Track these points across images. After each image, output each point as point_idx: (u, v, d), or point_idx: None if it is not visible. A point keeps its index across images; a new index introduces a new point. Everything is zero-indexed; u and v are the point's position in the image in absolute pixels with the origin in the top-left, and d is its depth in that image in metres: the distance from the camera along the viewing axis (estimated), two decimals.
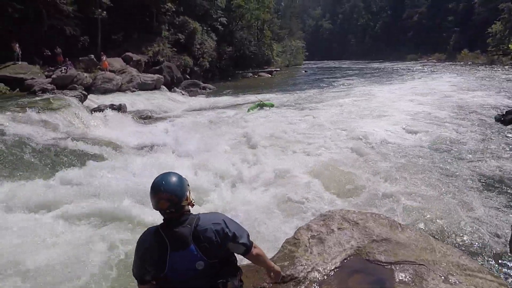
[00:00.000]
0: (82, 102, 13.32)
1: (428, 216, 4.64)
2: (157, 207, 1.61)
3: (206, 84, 24.30)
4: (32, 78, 15.38)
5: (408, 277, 2.41)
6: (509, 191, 5.56)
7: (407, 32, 76.17)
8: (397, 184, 5.78)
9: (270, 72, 37.43)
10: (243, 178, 6.11)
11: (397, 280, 2.41)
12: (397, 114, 11.91)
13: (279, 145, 8.51)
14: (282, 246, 3.14)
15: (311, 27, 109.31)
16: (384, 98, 16.22)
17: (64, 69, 16.59)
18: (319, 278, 2.58)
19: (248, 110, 14.28)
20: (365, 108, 13.59)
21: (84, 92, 14.82)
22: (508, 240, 3.75)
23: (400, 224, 3.25)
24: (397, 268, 2.53)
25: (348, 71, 40.43)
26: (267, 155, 7.54)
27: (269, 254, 3.43)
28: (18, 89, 14.52)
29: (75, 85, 15.65)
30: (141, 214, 4.58)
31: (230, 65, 33.59)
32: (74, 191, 5.29)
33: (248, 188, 5.81)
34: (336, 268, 2.68)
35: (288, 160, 7.06)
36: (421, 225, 4.37)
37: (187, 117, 13.56)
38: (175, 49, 25.47)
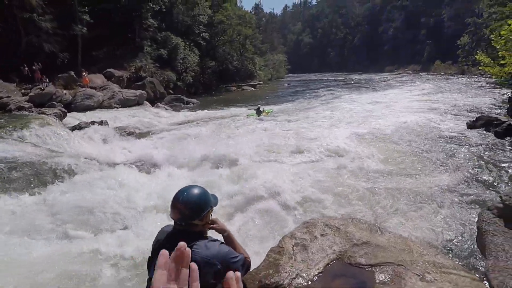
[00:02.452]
0: (62, 120, 13.07)
1: (405, 219, 4.82)
2: (170, 215, 1.64)
3: (189, 99, 24.32)
4: (8, 96, 14.94)
5: (387, 277, 2.50)
6: (476, 191, 5.86)
7: (384, 45, 79.49)
8: (376, 191, 5.97)
9: (254, 86, 37.95)
10: (228, 191, 6.11)
11: (378, 281, 2.49)
12: (373, 122, 12.36)
13: (263, 156, 8.60)
14: (267, 255, 3.18)
15: (292, 41, 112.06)
16: (362, 107, 16.80)
17: (43, 86, 16.27)
18: (303, 284, 2.63)
19: (247, 116, 15.06)
20: (343, 118, 14.00)
21: (63, 109, 14.57)
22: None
23: (379, 227, 3.36)
24: (377, 269, 2.62)
25: (328, 83, 41.54)
26: (251, 167, 7.60)
27: (255, 263, 3.47)
28: None
29: (54, 102, 15.38)
30: (124, 235, 4.50)
31: (214, 79, 33.87)
32: (53, 209, 5.15)
33: (233, 200, 5.83)
34: (319, 273, 2.74)
35: (271, 171, 7.13)
36: (400, 228, 4.53)
37: (171, 132, 13.47)
38: (158, 65, 25.52)
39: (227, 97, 28.79)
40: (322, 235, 3.30)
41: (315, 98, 24.54)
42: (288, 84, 45.79)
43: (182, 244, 0.67)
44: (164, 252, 0.67)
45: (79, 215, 5.01)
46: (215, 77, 34.17)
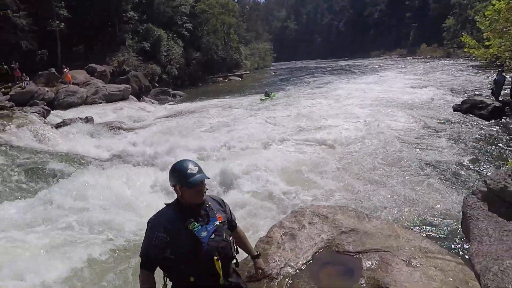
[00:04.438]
0: (45, 118, 12.72)
1: (392, 206, 4.90)
2: None
3: (176, 91, 23.96)
4: None
5: (374, 264, 2.55)
6: (462, 175, 5.98)
7: (369, 29, 79.38)
8: (362, 177, 6.05)
9: (240, 75, 37.58)
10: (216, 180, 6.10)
11: (365, 268, 2.53)
12: (358, 111, 12.36)
13: (250, 145, 8.58)
14: (255, 246, 3.19)
15: (277, 29, 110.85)
16: (347, 95, 16.83)
17: (24, 84, 15.74)
18: (292, 273, 2.66)
19: (261, 100, 17.00)
20: (331, 106, 14.01)
21: (46, 107, 14.18)
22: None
23: (367, 214, 3.41)
24: (365, 256, 2.66)
25: (314, 70, 41.46)
26: (239, 156, 7.59)
27: (243, 254, 3.49)
28: None
29: (36, 100, 14.96)
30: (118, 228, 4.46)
31: (199, 71, 33.36)
32: (40, 210, 5.04)
33: (219, 189, 5.84)
34: (307, 262, 2.77)
35: (256, 159, 7.11)
36: (387, 215, 4.61)
37: (158, 125, 13.31)
38: (141, 58, 24.96)
39: (214, 88, 28.46)
40: (310, 223, 3.32)
41: (303, 85, 24.49)
42: (275, 72, 45.53)
43: None
44: None
45: (67, 212, 4.93)
46: (200, 68, 33.65)
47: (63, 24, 19.73)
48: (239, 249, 1.99)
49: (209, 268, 1.68)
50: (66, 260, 3.92)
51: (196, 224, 1.69)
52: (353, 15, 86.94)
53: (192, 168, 1.72)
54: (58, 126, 11.74)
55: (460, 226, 3.81)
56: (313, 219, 3.36)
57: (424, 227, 4.39)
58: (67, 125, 11.88)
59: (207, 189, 1.82)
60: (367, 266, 2.55)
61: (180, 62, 29.58)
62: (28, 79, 16.40)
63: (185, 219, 1.69)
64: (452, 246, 3.97)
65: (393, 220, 4.26)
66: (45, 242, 4.34)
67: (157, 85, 24.80)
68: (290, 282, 2.58)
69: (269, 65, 62.79)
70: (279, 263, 2.78)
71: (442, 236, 4.16)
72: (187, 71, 31.18)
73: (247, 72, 42.31)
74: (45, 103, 14.96)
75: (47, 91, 16.14)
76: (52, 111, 14.17)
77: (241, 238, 2.04)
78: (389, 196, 5.20)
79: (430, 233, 4.22)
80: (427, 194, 5.22)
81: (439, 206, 4.85)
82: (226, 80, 34.58)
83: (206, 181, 1.77)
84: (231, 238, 1.83)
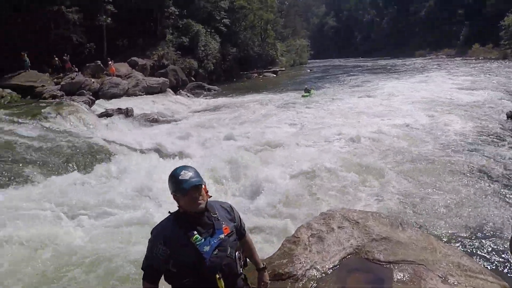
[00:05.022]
0: (90, 107, 13.58)
1: (431, 216, 4.57)
2: None
3: (211, 86, 24.42)
4: (42, 86, 15.80)
5: (406, 276, 2.40)
6: None
7: (415, 27, 74.80)
8: (401, 183, 5.72)
9: (275, 72, 37.37)
10: (247, 177, 6.11)
11: (395, 279, 2.40)
12: (404, 111, 11.77)
13: (286, 143, 8.49)
14: (282, 244, 3.16)
15: (315, 25, 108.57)
16: (389, 93, 16.11)
17: (73, 75, 16.94)
18: (317, 276, 2.59)
19: (303, 96, 17.37)
20: (369, 106, 13.48)
21: (91, 97, 15.10)
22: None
23: (401, 223, 3.22)
24: (396, 267, 2.51)
25: (352, 69, 40.10)
26: (276, 154, 7.55)
27: (268, 252, 3.46)
28: (29, 97, 14.92)
29: (83, 90, 15.95)
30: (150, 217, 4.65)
31: (235, 66, 33.66)
32: (81, 193, 5.37)
33: (252, 187, 5.83)
34: (334, 266, 2.68)
35: (288, 158, 7.03)
36: (424, 225, 4.31)
37: (193, 119, 13.68)
38: (180, 52, 25.68)
39: (248, 84, 28.61)
40: (339, 227, 3.22)
41: (340, 83, 23.81)
42: (311, 70, 44.71)
43: None
44: None
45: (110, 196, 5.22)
46: (236, 64, 33.94)
47: (109, 19, 20.86)
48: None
49: (212, 285, 1.58)
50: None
51: (199, 237, 1.58)
52: (398, 11, 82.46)
53: (184, 174, 1.61)
54: (101, 115, 12.54)
55: (508, 246, 3.47)
56: (343, 223, 3.25)
57: (465, 243, 4.01)
58: (109, 115, 12.65)
59: (210, 196, 1.72)
60: (398, 277, 2.41)
61: (217, 57, 30.05)
62: (77, 70, 17.65)
63: (187, 230, 1.59)
64: (496, 267, 3.60)
65: (430, 232, 3.97)
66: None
67: (193, 79, 25.44)
68: (315, 285, 2.51)
69: (305, 62, 61.77)
70: (304, 265, 2.72)
71: (485, 255, 3.78)
72: (222, 66, 31.60)
73: (283, 69, 41.96)
74: (91, 93, 15.92)
75: (93, 82, 17.17)
76: (96, 101, 15.07)
77: (249, 247, 1.92)
78: (429, 204, 4.84)
79: (472, 250, 3.86)
80: (473, 207, 4.78)
81: (485, 221, 4.41)
82: (260, 77, 34.58)
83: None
84: (237, 253, 1.69)
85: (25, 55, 16.44)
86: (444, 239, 3.94)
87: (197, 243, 1.57)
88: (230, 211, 1.80)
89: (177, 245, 1.58)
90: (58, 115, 10.15)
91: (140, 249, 3.47)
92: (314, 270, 2.67)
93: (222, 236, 1.64)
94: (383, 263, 2.58)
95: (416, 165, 6.51)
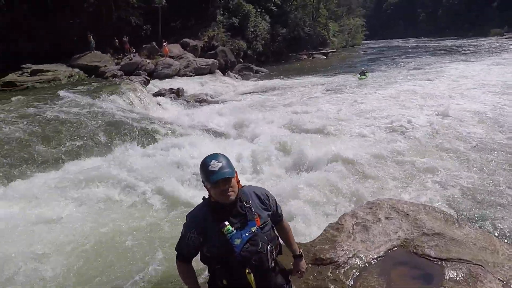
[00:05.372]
0: (146, 86, 14.47)
1: (497, 215, 4.11)
2: None
3: (259, 68, 24.33)
4: (105, 66, 17.21)
5: (460, 276, 2.22)
6: None
7: (491, 2, 65.63)
8: (462, 176, 5.22)
9: (325, 54, 35.87)
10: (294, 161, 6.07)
11: (447, 277, 2.23)
12: (474, 96, 10.64)
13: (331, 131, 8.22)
14: (324, 230, 3.11)
15: (373, 3, 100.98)
16: (455, 77, 14.59)
17: (131, 56, 18.09)
18: (360, 265, 2.52)
19: (359, 78, 17.01)
20: (436, 88, 12.39)
21: (147, 77, 16.10)
22: None
23: (457, 219, 2.97)
24: (448, 265, 2.34)
25: (411, 50, 36.76)
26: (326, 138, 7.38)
27: (311, 236, 3.44)
28: (93, 75, 16.44)
29: (139, 71, 17.02)
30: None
31: (284, 48, 32.93)
32: (133, 168, 5.65)
33: (298, 170, 5.79)
34: (379, 257, 2.58)
35: (337, 144, 6.79)
36: (486, 224, 3.92)
37: (240, 100, 13.85)
38: (229, 33, 25.81)
39: (297, 66, 27.89)
40: (386, 218, 3.07)
41: (395, 66, 22.13)
42: (364, 52, 42.06)
43: None
44: None
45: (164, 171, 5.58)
46: (285, 45, 33.16)
47: (164, 1, 21.59)
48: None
49: (242, 278, 1.56)
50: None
51: (231, 228, 1.54)
52: None
53: (214, 164, 1.54)
54: (155, 94, 13.34)
55: None
56: (390, 214, 3.09)
57: None
58: (162, 94, 13.40)
59: (242, 186, 1.67)
60: (450, 276, 2.24)
61: (266, 38, 29.66)
62: (134, 51, 18.78)
63: (219, 219, 1.56)
64: None
65: (493, 232, 3.61)
66: None
67: (242, 60, 25.54)
68: (357, 273, 2.45)
69: (359, 43, 58.31)
70: (347, 253, 2.66)
71: None
72: (271, 48, 31.14)
73: (334, 50, 40.09)
74: (146, 74, 16.94)
75: (148, 62, 18.18)
76: (151, 81, 16.00)
77: (286, 234, 1.87)
78: (496, 202, 4.37)
79: None
80: None
81: None
82: (310, 58, 33.49)
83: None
84: (268, 247, 1.61)
85: (91, 36, 17.87)
86: (509, 241, 3.55)
87: (228, 235, 1.54)
88: (265, 198, 1.73)
89: (209, 234, 1.57)
90: (117, 93, 10.95)
91: None
92: (357, 258, 2.60)
93: (254, 229, 1.59)
94: (434, 260, 2.41)
95: (488, 155, 5.90)
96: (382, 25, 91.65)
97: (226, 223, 1.55)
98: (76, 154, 6.36)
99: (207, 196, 1.67)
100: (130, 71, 16.88)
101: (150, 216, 4.43)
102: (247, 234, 1.57)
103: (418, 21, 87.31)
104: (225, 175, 1.53)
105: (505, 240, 3.42)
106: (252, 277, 1.55)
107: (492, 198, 4.54)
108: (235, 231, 1.55)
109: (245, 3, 27.57)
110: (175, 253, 1.70)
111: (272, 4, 31.40)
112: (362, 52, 42.01)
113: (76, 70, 16.19)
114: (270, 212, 1.72)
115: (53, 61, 15.78)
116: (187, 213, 1.69)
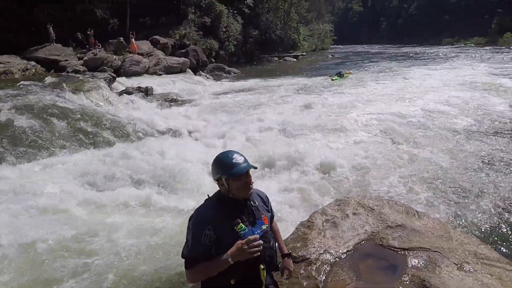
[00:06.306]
0: (111, 84, 13.80)
1: (449, 205, 4.51)
2: None
3: (231, 68, 24.27)
4: (66, 60, 16.12)
5: (421, 263, 2.41)
6: None
7: (444, 14, 71.11)
8: (421, 173, 5.62)
9: (296, 57, 36.67)
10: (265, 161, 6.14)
11: (410, 265, 2.41)
12: (429, 99, 11.50)
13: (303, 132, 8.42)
14: (296, 228, 3.21)
15: (340, 10, 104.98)
16: (412, 84, 15.60)
17: (96, 51, 17.21)
18: (331, 260, 2.63)
19: (332, 79, 16.86)
20: (391, 94, 13.15)
21: (113, 74, 15.28)
22: None
23: (417, 211, 3.20)
24: (411, 254, 2.52)
25: (374, 55, 38.72)
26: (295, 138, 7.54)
27: (283, 236, 3.51)
28: (52, 70, 15.20)
29: (105, 67, 16.22)
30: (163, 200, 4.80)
31: (256, 49, 33.19)
32: (94, 172, 5.48)
33: (268, 172, 5.88)
34: (348, 251, 2.72)
35: (308, 145, 7.01)
36: (441, 214, 4.26)
37: (211, 101, 13.72)
38: (201, 33, 25.51)
39: (268, 68, 28.25)
40: (354, 214, 3.23)
41: (362, 70, 23.19)
42: (332, 55, 43.51)
43: None
44: None
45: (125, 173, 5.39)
46: (257, 47, 33.45)
47: None
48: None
49: (253, 276, 1.57)
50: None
51: (243, 226, 1.56)
52: None
53: (237, 158, 1.58)
54: (121, 93, 12.67)
55: None
56: (357, 210, 3.26)
57: (484, 233, 3.97)
58: (129, 93, 12.77)
59: (252, 182, 1.68)
60: (413, 264, 2.42)
61: (238, 39, 29.69)
62: (100, 46, 17.85)
63: (231, 217, 1.56)
64: None
65: (448, 222, 3.93)
66: None
67: (213, 60, 25.32)
68: (328, 268, 2.56)
69: (327, 48, 60.14)
70: (318, 249, 2.76)
71: (505, 245, 3.74)
72: (243, 49, 31.24)
73: (304, 53, 41.06)
74: (112, 70, 16.15)
75: (115, 59, 17.39)
76: (117, 78, 15.27)
77: (275, 233, 1.90)
78: (447, 192, 4.78)
79: (491, 239, 3.81)
80: (493, 200, 4.68)
81: (504, 215, 4.33)
82: (281, 61, 34.05)
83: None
84: (276, 244, 1.71)
85: (51, 27, 16.66)
86: (462, 229, 3.89)
87: (241, 232, 1.54)
88: (266, 201, 1.79)
89: (222, 231, 1.54)
90: (79, 91, 10.33)
91: None
92: (327, 254, 2.71)
93: (264, 226, 1.63)
94: (398, 250, 2.59)
95: (447, 146, 6.39)
96: (349, 31, 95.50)
97: (239, 220, 1.56)
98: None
99: (207, 197, 1.70)
100: (94, 66, 16.04)
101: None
102: (259, 231, 1.60)
103: (380, 29, 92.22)
104: (250, 167, 1.59)
105: (458, 228, 3.74)
106: (265, 273, 1.59)
107: (441, 187, 4.95)
108: (247, 229, 1.57)
109: (217, 2, 27.41)
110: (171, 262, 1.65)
111: (245, 6, 31.53)
112: (330, 56, 43.39)
113: (33, 63, 14.71)
114: (270, 214, 1.80)
115: (5, 54, 14.35)
116: (191, 215, 1.64)
